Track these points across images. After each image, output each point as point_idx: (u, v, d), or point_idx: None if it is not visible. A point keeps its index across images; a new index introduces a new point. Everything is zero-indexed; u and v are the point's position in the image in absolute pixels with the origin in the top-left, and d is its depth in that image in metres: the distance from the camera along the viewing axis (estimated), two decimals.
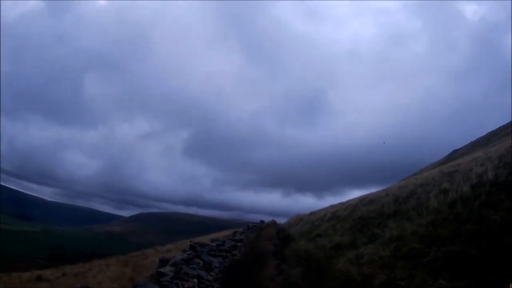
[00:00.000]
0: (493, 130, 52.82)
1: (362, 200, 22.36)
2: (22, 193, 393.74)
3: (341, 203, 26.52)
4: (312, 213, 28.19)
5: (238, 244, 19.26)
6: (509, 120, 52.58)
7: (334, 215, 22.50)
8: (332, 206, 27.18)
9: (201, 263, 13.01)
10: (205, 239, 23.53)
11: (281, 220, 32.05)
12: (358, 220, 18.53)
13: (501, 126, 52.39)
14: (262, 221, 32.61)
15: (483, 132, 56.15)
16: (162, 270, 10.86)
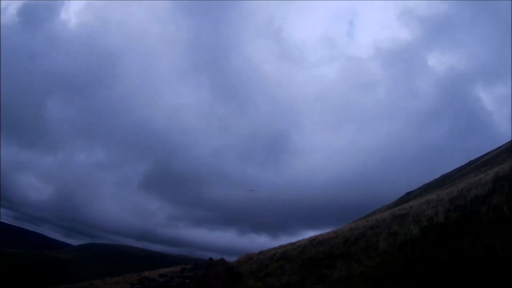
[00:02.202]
0: (447, 173, 57.71)
1: (311, 241, 24.24)
2: None
3: (291, 243, 28.69)
4: (261, 252, 30.05)
5: (186, 281, 20.30)
6: (463, 163, 57.87)
7: (283, 255, 24.22)
8: (281, 246, 29.26)
9: None
10: (153, 273, 25.13)
11: (232, 259, 34.14)
12: (307, 261, 20.11)
13: (455, 169, 57.42)
14: (210, 259, 34.90)
15: (438, 175, 61.09)
16: None
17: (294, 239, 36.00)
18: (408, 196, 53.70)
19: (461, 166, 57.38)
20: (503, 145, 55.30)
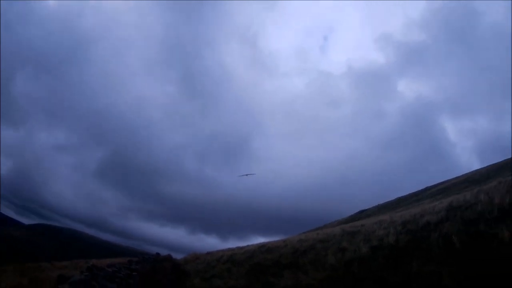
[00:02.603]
0: (403, 196, 59.26)
1: (260, 247, 24.56)
2: None
3: (240, 248, 28.98)
4: (209, 253, 30.31)
5: (133, 273, 20.35)
6: (420, 189, 59.59)
7: (231, 258, 24.51)
8: (230, 249, 29.49)
9: (97, 286, 13.89)
10: (101, 262, 25.08)
11: (179, 256, 34.50)
12: (255, 266, 20.44)
13: (411, 193, 59.03)
14: (157, 254, 35.31)
15: (393, 197, 62.63)
16: None
17: (243, 243, 36.44)
18: (361, 214, 54.94)
19: (418, 191, 58.99)
20: (461, 175, 57.21)
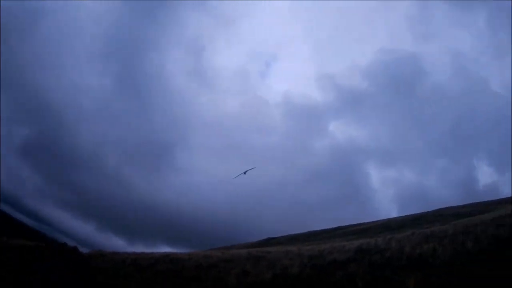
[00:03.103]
0: (315, 231, 60.40)
1: (165, 257, 24.13)
2: None
3: (145, 253, 28.39)
4: (114, 253, 29.36)
5: (39, 260, 19.69)
6: (334, 226, 61.10)
7: (135, 262, 23.81)
8: (135, 253, 28.76)
9: None
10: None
11: (84, 250, 33.30)
12: (157, 274, 19.97)
13: (323, 229, 60.38)
14: (65, 244, 33.79)
15: (305, 230, 63.59)
16: None
17: (149, 249, 35.67)
18: (270, 241, 55.34)
19: (331, 228, 60.41)
20: (377, 221, 59.13)
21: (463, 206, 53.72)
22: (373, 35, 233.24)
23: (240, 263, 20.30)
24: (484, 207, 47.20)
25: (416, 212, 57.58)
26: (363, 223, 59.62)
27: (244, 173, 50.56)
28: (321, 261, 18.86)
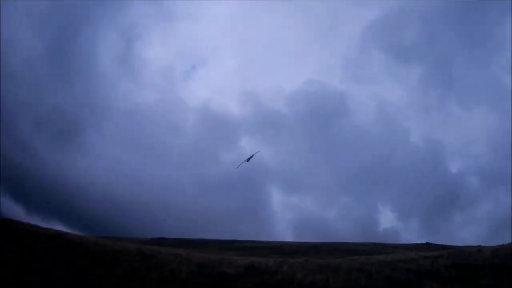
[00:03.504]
0: (209, 239, 60.70)
1: (58, 236, 23.60)
2: None
3: (39, 227, 28.01)
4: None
5: None
6: (228, 239, 61.56)
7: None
8: (30, 225, 28.21)
9: None
10: None
11: None
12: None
13: (218, 239, 60.73)
14: None
15: (197, 236, 63.66)
16: None
17: (45, 224, 34.60)
18: (162, 241, 54.76)
19: (224, 240, 60.91)
20: (271, 241, 60.21)
21: (361, 244, 55.69)
22: (305, 64, 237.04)
23: (129, 258, 19.94)
24: (382, 248, 49.27)
25: (312, 241, 59.22)
26: (257, 241, 60.42)
27: (247, 160, 48.16)
28: (210, 271, 18.88)
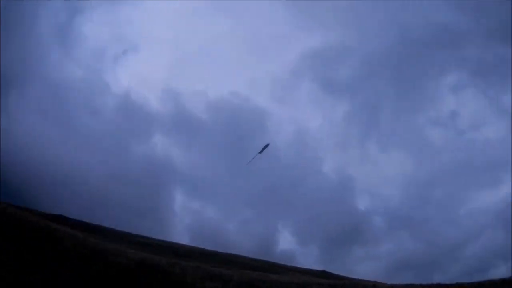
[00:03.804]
0: (106, 227, 60.60)
1: None
2: None
3: None
4: None
5: None
6: (122, 230, 61.70)
7: None
8: None
9: None
10: None
11: None
12: None
13: (114, 229, 60.76)
14: None
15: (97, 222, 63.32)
16: None
17: None
18: (61, 219, 54.25)
19: (120, 230, 60.73)
20: (167, 241, 60.65)
21: (256, 260, 57.29)
22: (235, 75, 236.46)
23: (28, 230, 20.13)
24: (276, 268, 50.89)
25: (208, 248, 60.17)
26: (154, 239, 60.69)
27: (260, 152, 46.22)
28: (103, 258, 19.45)
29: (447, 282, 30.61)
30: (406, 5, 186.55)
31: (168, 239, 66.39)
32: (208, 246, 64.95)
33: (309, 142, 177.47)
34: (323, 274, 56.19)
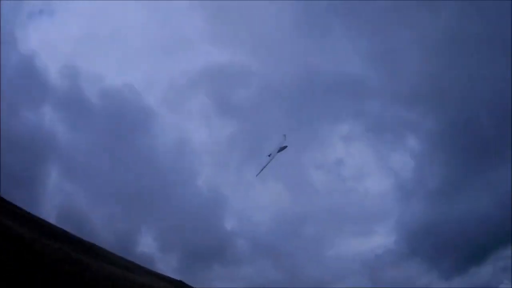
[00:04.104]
0: None
1: None
2: None
3: None
4: None
5: None
6: None
7: None
8: None
9: None
10: None
11: None
12: None
13: None
14: None
15: None
16: None
17: None
18: None
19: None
20: (35, 216, 58.24)
21: (117, 256, 56.35)
22: (134, 68, 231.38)
23: None
24: (135, 268, 50.67)
25: (72, 233, 58.35)
26: (21, 208, 58.10)
27: (279, 151, 42.83)
28: None
29: None
30: (322, 48, 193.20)
31: (35, 213, 63.78)
32: (73, 231, 63.24)
33: (189, 154, 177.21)
34: (180, 283, 56.94)
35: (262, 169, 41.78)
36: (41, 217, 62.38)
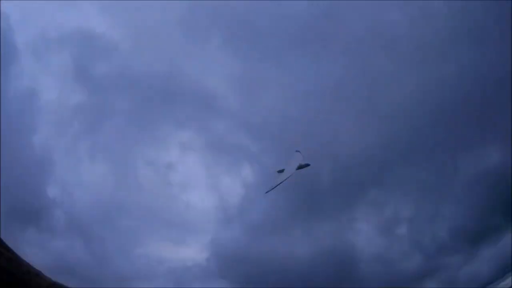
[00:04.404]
0: None
1: None
2: None
3: None
4: None
5: None
6: None
7: None
8: None
9: None
10: None
11: None
12: None
13: None
14: None
15: None
16: None
17: None
18: None
19: None
20: None
21: None
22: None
23: None
24: None
25: None
26: None
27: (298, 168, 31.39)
28: None
29: None
30: (193, 53, 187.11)
31: None
32: None
33: (34, 106, 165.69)
34: None
35: (273, 188, 31.02)
36: None
